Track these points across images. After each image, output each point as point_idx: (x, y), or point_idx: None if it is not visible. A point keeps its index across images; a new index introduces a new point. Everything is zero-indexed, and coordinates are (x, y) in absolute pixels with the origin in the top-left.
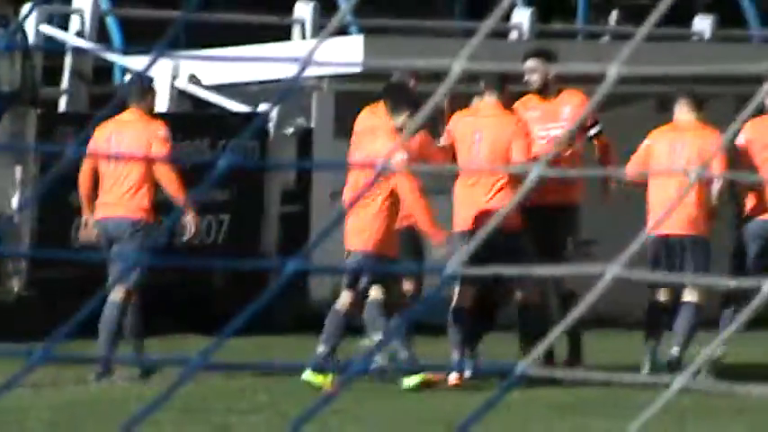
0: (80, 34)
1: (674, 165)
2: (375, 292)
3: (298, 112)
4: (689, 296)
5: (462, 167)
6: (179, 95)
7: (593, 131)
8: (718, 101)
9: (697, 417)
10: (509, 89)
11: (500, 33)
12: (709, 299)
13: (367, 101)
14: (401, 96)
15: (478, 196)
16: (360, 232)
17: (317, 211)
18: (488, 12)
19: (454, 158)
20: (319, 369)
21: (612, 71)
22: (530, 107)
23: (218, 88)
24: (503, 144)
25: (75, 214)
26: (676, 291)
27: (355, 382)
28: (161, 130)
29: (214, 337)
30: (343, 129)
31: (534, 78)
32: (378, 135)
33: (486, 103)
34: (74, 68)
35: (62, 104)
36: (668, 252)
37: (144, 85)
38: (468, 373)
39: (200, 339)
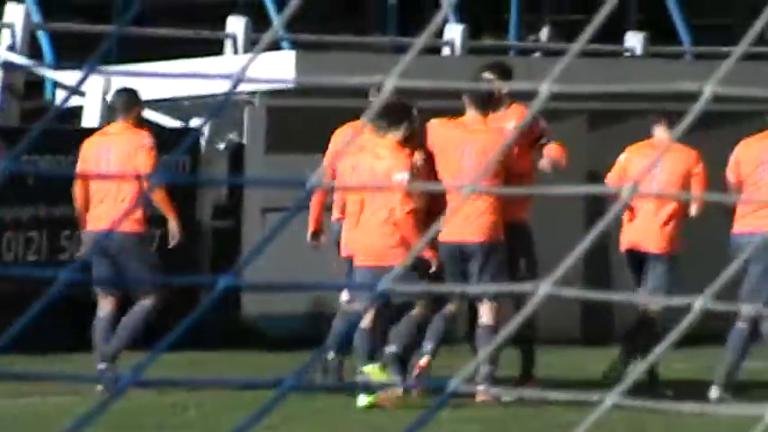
0: (11, 48)
1: (650, 181)
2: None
3: (230, 127)
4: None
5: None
6: (111, 110)
7: (542, 141)
8: (650, 117)
9: None
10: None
11: (432, 49)
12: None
13: (299, 116)
14: (394, 112)
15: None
16: (396, 246)
17: (249, 226)
18: (421, 28)
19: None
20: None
21: (544, 88)
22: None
23: (150, 103)
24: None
25: (5, 229)
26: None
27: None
28: (146, 138)
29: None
30: (275, 144)
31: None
32: (381, 153)
33: (473, 117)
34: (5, 83)
35: None
36: (635, 265)
37: (129, 97)
38: (399, 390)
39: (131, 354)
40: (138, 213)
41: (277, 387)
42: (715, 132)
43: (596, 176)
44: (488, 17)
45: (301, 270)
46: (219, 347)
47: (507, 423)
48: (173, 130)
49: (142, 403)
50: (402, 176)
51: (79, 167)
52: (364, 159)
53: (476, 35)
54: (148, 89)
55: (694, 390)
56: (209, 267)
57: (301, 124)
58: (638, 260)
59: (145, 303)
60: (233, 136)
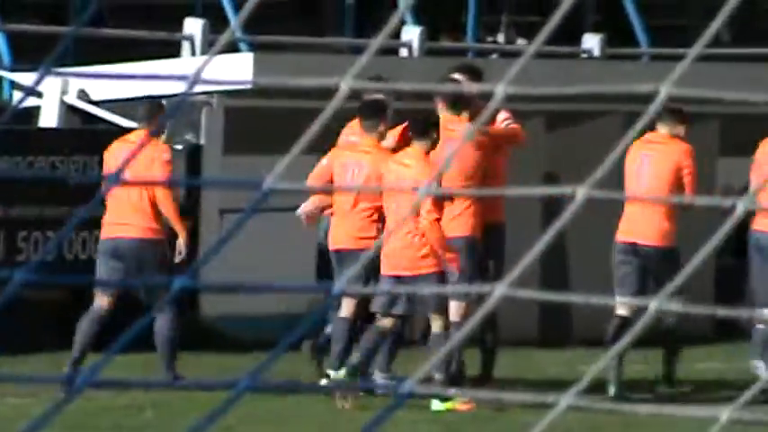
0: None
1: (639, 174)
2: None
3: (187, 128)
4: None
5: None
6: (68, 111)
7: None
8: (607, 118)
9: None
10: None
11: (390, 50)
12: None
13: (256, 116)
14: (421, 123)
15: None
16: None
17: (206, 227)
18: (378, 29)
19: None
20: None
21: (500, 89)
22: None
23: (108, 104)
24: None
25: None
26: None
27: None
28: (165, 153)
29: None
30: (233, 145)
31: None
32: (407, 161)
33: (447, 118)
34: None
35: None
36: (634, 259)
37: (152, 106)
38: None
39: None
40: (154, 221)
41: (233, 388)
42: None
43: (553, 177)
44: (446, 18)
45: (260, 271)
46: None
47: (465, 424)
48: (130, 131)
49: (99, 404)
50: (432, 186)
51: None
52: (358, 159)
53: (434, 36)
54: (106, 90)
55: (651, 390)
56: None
57: (259, 125)
58: (632, 253)
59: (166, 316)
60: (190, 137)
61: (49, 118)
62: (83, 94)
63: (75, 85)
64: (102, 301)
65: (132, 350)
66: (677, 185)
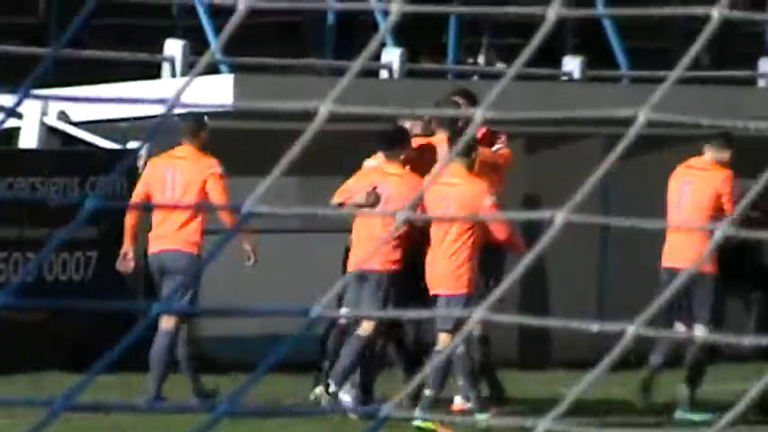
0: None
1: (679, 200)
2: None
3: (168, 150)
4: (698, 331)
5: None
6: (48, 132)
7: (496, 147)
8: (588, 140)
9: None
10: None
11: (370, 72)
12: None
13: (237, 138)
14: (466, 143)
15: None
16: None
17: None
18: (359, 51)
19: None
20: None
21: (478, 114)
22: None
23: (88, 125)
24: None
25: None
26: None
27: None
28: (216, 166)
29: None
30: None
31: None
32: (453, 180)
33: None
34: None
35: None
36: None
37: (196, 122)
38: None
39: (66, 377)
40: (197, 236)
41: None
42: (647, 157)
43: (534, 200)
44: (426, 40)
45: (240, 293)
46: None
47: None
48: (110, 152)
49: (78, 425)
50: (490, 200)
51: (141, 188)
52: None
53: (414, 58)
54: (86, 111)
55: (627, 412)
56: (146, 290)
57: (239, 147)
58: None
59: (166, 327)
60: None
61: (29, 139)
62: (63, 116)
63: (56, 106)
64: (168, 322)
65: (114, 371)
66: (717, 212)
